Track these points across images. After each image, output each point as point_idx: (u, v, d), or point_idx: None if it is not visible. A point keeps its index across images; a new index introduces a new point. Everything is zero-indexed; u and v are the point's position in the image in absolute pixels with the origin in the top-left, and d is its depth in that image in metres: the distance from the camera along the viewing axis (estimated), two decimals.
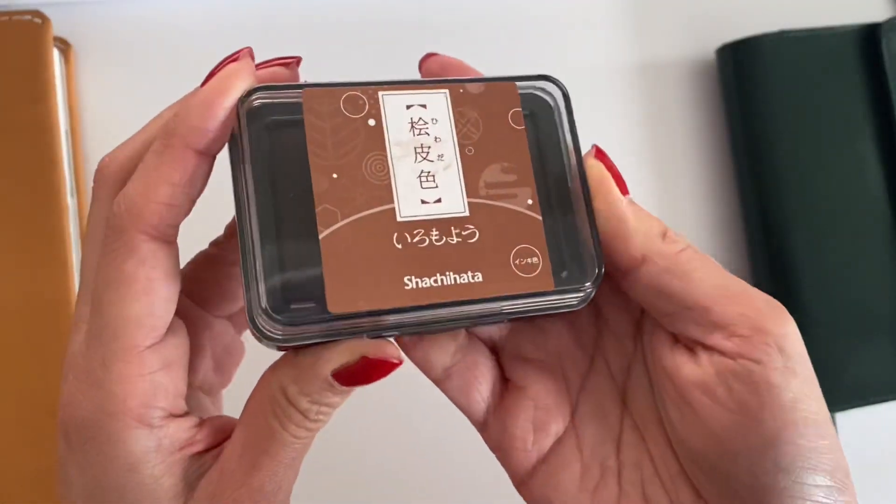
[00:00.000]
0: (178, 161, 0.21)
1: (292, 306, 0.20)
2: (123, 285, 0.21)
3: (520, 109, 0.23)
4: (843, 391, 0.42)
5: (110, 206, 0.22)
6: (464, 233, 0.21)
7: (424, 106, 0.22)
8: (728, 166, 0.45)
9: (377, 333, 0.21)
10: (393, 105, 0.22)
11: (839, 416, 0.43)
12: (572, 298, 0.22)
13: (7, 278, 0.38)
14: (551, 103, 0.24)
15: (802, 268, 0.42)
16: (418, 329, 0.22)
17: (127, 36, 0.43)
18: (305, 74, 0.45)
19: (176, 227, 0.22)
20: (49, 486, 0.37)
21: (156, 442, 0.22)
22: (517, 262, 0.22)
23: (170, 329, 0.22)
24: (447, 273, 0.21)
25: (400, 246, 0.21)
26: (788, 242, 0.42)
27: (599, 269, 0.22)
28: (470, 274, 0.21)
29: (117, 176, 0.23)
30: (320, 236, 0.20)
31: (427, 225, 0.21)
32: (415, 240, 0.21)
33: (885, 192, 0.43)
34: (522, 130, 0.23)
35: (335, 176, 0.21)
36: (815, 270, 0.42)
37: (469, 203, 0.22)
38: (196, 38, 0.44)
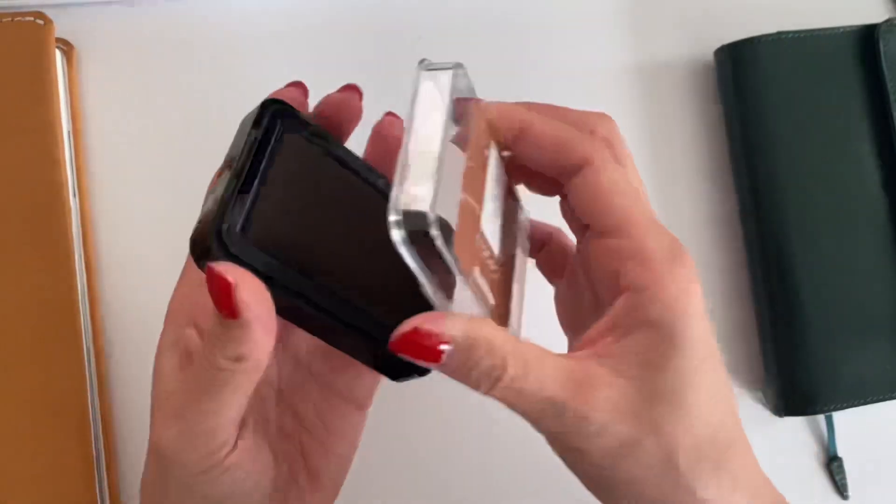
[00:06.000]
0: None
1: None
2: None
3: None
4: (840, 390, 0.42)
5: None
6: (495, 269, 0.28)
7: (500, 171, 0.29)
8: (725, 167, 0.46)
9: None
10: (495, 154, 0.28)
11: (837, 415, 0.43)
12: None
13: (10, 278, 0.38)
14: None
15: (800, 267, 0.42)
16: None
17: (129, 37, 0.43)
18: (306, 76, 0.45)
19: None
20: (49, 486, 0.37)
21: (173, 337, 0.28)
22: (500, 309, 0.28)
23: None
24: (485, 285, 0.26)
25: (476, 245, 0.26)
26: (786, 242, 0.42)
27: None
28: (491, 296, 0.27)
29: None
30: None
31: (488, 245, 0.27)
32: (481, 247, 0.26)
33: (883, 193, 0.43)
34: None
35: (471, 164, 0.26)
36: (813, 270, 0.42)
37: (499, 251, 0.28)
38: (198, 39, 0.44)
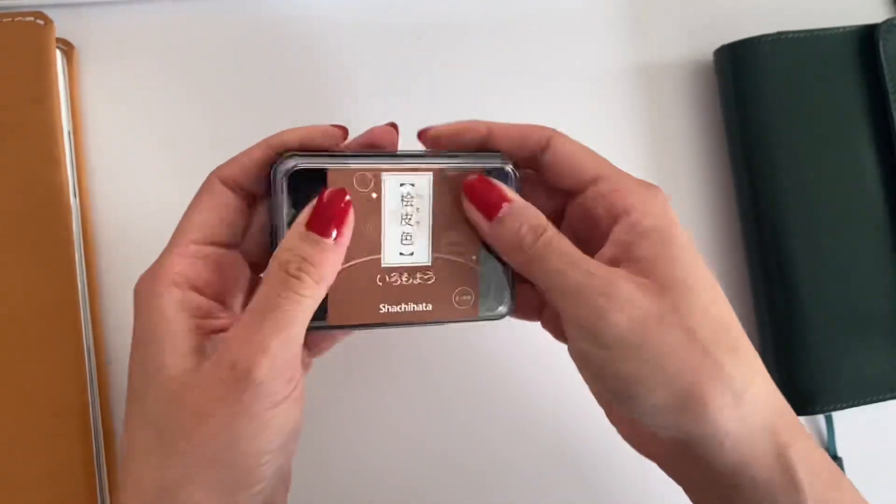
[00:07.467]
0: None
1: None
2: (193, 203, 0.30)
3: None
4: (840, 390, 0.42)
5: None
6: (424, 276, 0.31)
7: (413, 184, 0.31)
8: (725, 167, 0.46)
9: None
10: (391, 183, 0.30)
11: (837, 415, 0.43)
12: (495, 317, 0.32)
13: (10, 279, 0.38)
14: (507, 173, 0.32)
15: (800, 268, 0.42)
16: (389, 327, 0.31)
17: (129, 38, 0.43)
18: (304, 76, 0.45)
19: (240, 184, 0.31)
20: (49, 486, 0.37)
21: (180, 298, 0.29)
22: (457, 298, 0.32)
23: (228, 247, 0.31)
24: (409, 303, 0.31)
25: (381, 284, 0.31)
26: (786, 243, 0.42)
27: (513, 302, 0.32)
28: (423, 304, 0.31)
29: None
30: None
31: (401, 270, 0.31)
32: (391, 279, 0.31)
33: (882, 193, 0.43)
34: None
35: None
36: (813, 270, 0.42)
37: (433, 257, 0.31)
38: (197, 39, 0.44)
